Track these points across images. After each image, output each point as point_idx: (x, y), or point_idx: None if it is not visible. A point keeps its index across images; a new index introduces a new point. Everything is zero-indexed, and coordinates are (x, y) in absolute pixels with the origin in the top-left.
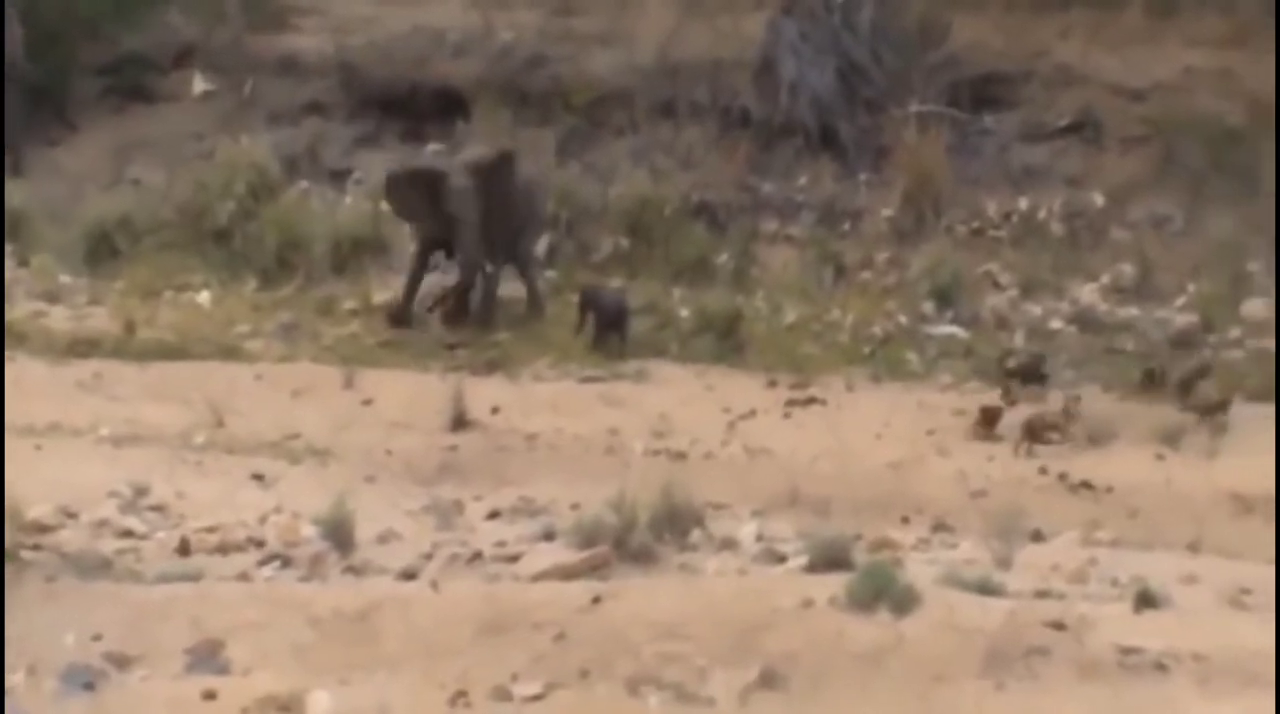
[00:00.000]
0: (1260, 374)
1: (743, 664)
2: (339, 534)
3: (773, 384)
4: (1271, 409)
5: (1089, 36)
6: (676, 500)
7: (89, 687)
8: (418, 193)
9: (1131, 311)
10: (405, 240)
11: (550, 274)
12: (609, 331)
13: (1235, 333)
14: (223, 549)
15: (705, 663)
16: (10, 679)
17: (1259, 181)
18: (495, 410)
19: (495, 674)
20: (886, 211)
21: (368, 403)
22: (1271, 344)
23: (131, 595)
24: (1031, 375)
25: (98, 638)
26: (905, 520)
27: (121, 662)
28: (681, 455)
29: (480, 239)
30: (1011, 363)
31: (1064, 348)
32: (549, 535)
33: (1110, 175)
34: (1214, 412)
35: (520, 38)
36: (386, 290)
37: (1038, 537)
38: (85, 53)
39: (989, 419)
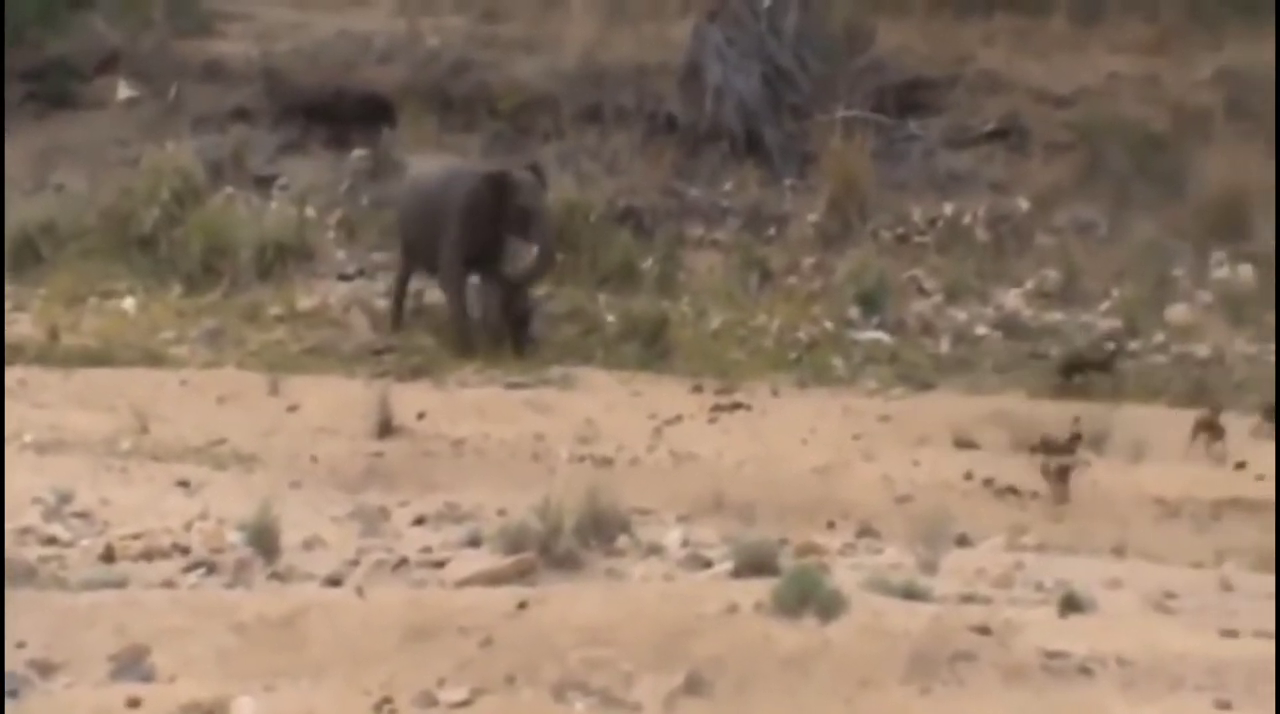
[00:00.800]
0: (1182, 379)
1: (668, 669)
2: (264, 541)
3: (698, 390)
4: (1190, 415)
5: (1014, 43)
6: (602, 506)
7: (13, 694)
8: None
9: (1056, 316)
10: (330, 247)
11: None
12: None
13: (1159, 338)
14: (148, 556)
15: (631, 668)
16: None
17: (1183, 187)
18: (421, 416)
19: (421, 680)
20: (812, 217)
21: (293, 409)
22: (1195, 348)
23: (56, 602)
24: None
25: (21, 645)
26: (831, 525)
27: (45, 669)
28: (607, 461)
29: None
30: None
31: (989, 353)
32: (475, 541)
33: (1035, 181)
34: (1060, 452)
35: (446, 44)
36: (312, 296)
37: (963, 541)
38: (9, 59)
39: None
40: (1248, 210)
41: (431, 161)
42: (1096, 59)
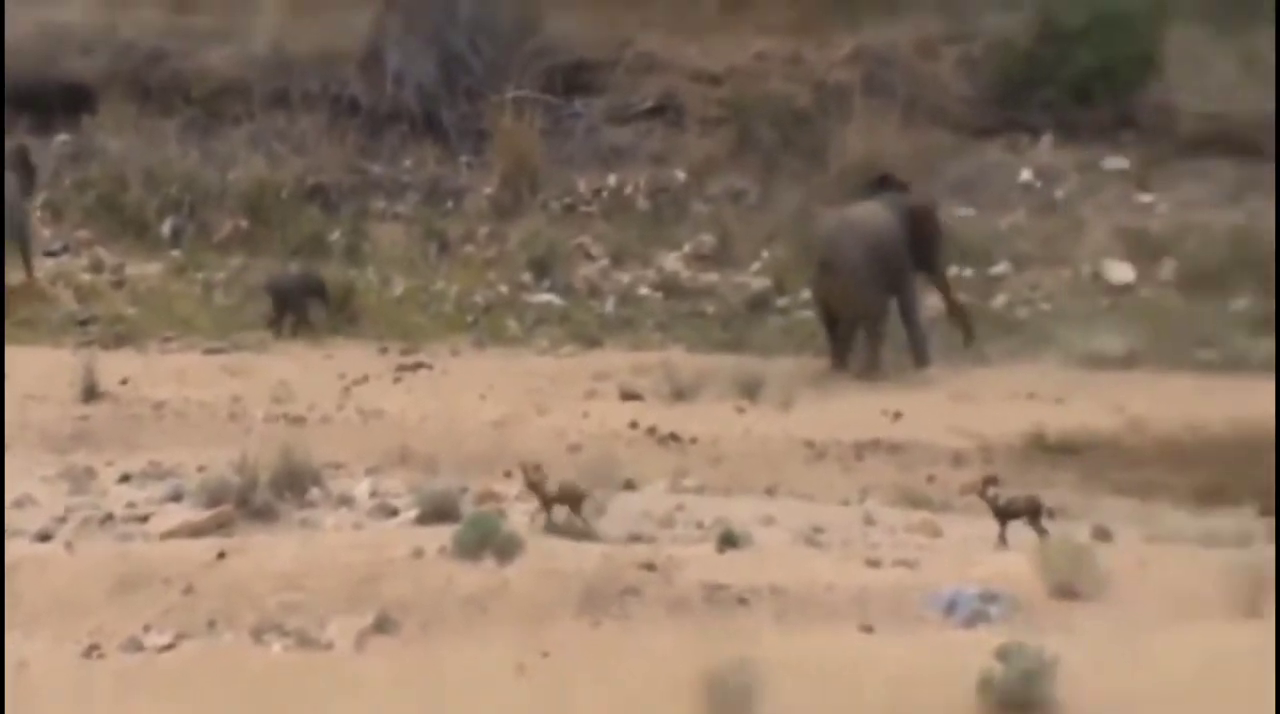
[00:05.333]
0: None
1: (359, 611)
2: None
3: (384, 351)
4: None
5: (670, 27)
6: (295, 461)
7: None
8: None
9: (712, 278)
10: (37, 225)
11: (175, 253)
12: (287, 313)
13: (806, 295)
14: None
15: (324, 611)
16: None
17: (825, 158)
18: (124, 381)
19: (128, 627)
20: (487, 190)
21: (2, 378)
22: None
23: None
24: None
25: None
26: (508, 474)
27: None
28: (300, 420)
29: None
30: None
31: (650, 312)
32: (177, 496)
33: (691, 154)
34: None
35: (142, 35)
36: (19, 271)
37: (630, 485)
38: None
39: None
40: (887, 174)
41: None
42: (745, 40)
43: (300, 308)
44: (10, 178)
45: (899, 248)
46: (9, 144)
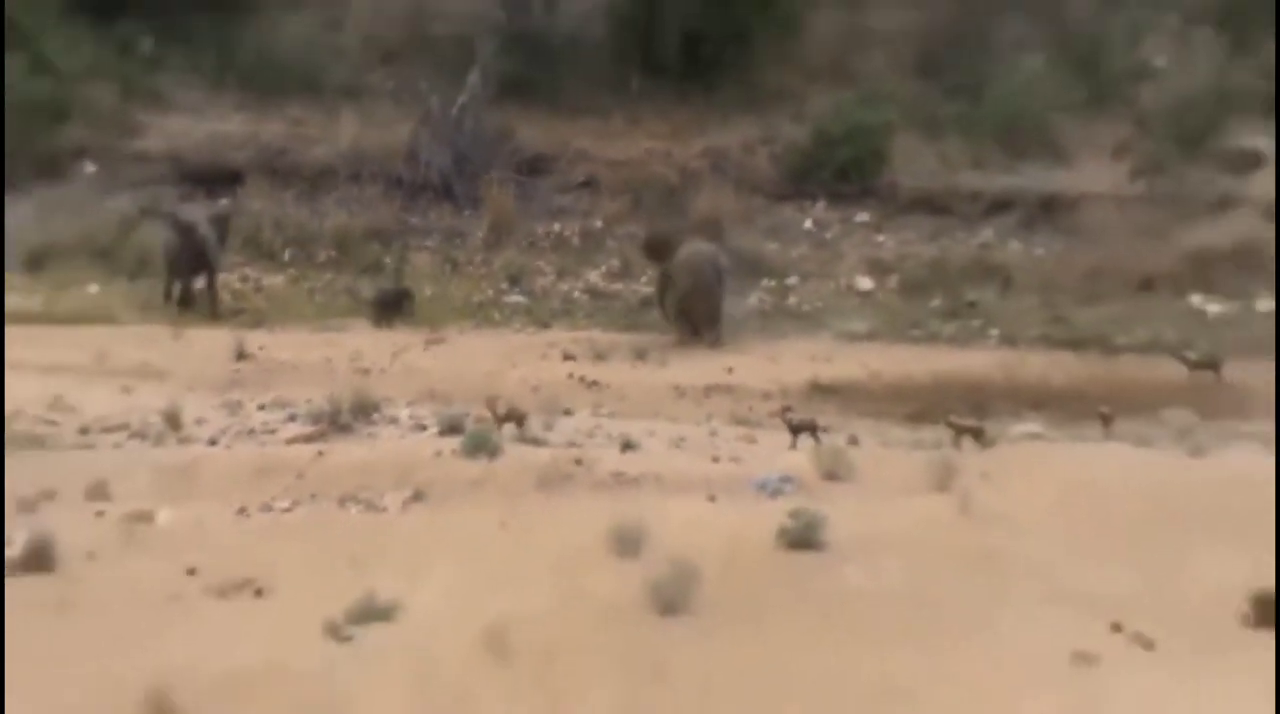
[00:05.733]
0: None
1: (403, 488)
2: (173, 421)
3: (418, 332)
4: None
5: (594, 134)
6: (364, 397)
7: (30, 509)
8: None
9: (618, 286)
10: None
11: (291, 271)
12: (389, 312)
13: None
14: (106, 431)
15: (382, 488)
16: None
17: (685, 213)
18: (261, 348)
19: (262, 497)
20: (480, 233)
21: (188, 345)
22: None
23: (53, 457)
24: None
25: (34, 482)
26: (487, 405)
27: (50, 495)
28: (367, 371)
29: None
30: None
31: (580, 307)
32: (293, 418)
33: (605, 211)
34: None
35: (273, 138)
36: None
37: (568, 412)
38: (24, 153)
39: None
40: (723, 225)
41: None
42: (638, 142)
43: (396, 310)
44: (211, 229)
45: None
46: (217, 209)
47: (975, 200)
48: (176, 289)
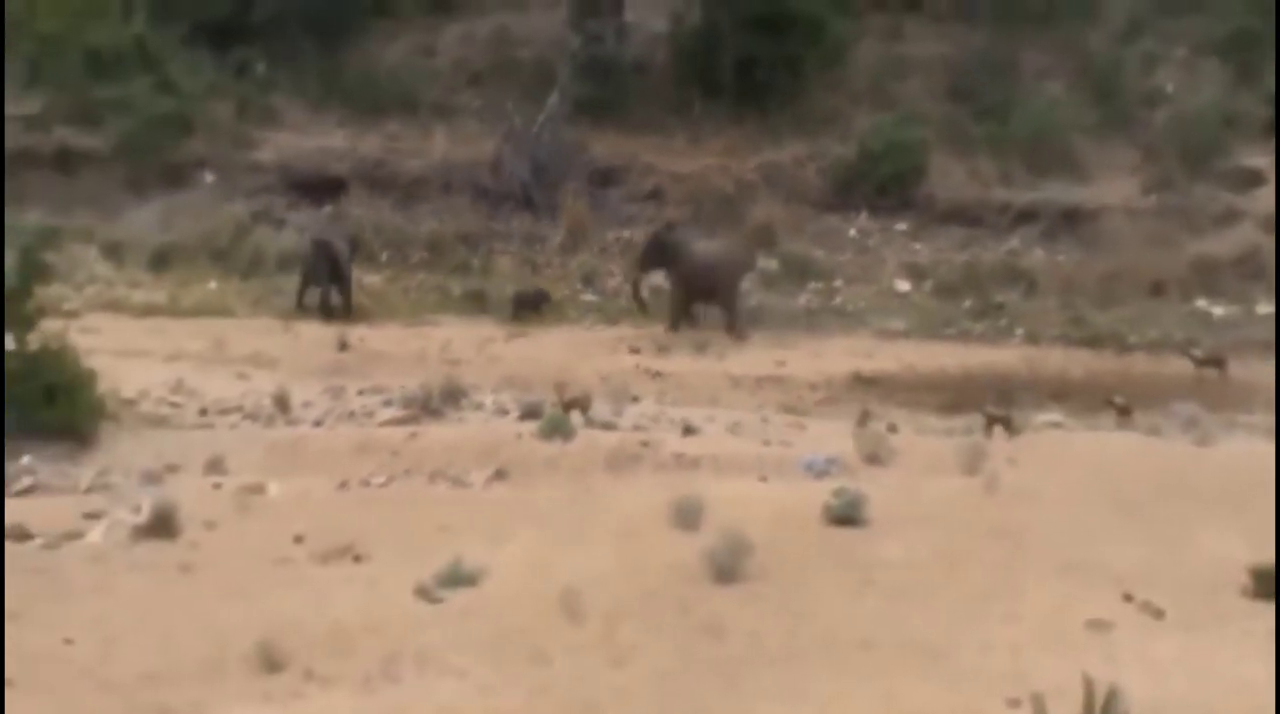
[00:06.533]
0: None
1: (487, 466)
2: (282, 404)
3: (500, 326)
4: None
5: (659, 150)
6: (453, 384)
7: (156, 481)
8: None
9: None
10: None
11: (389, 271)
12: (525, 309)
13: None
14: (223, 412)
15: (468, 466)
16: (114, 478)
17: (743, 222)
18: (361, 339)
19: (361, 473)
20: (558, 238)
21: (296, 336)
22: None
23: (176, 437)
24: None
25: (158, 457)
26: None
27: (172, 469)
28: (456, 361)
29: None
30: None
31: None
32: (389, 403)
33: (669, 219)
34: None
35: (371, 151)
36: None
37: (635, 399)
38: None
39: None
40: (775, 232)
41: None
42: (698, 158)
43: (534, 308)
44: (345, 246)
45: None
46: (346, 228)
47: (1003, 212)
48: (308, 296)
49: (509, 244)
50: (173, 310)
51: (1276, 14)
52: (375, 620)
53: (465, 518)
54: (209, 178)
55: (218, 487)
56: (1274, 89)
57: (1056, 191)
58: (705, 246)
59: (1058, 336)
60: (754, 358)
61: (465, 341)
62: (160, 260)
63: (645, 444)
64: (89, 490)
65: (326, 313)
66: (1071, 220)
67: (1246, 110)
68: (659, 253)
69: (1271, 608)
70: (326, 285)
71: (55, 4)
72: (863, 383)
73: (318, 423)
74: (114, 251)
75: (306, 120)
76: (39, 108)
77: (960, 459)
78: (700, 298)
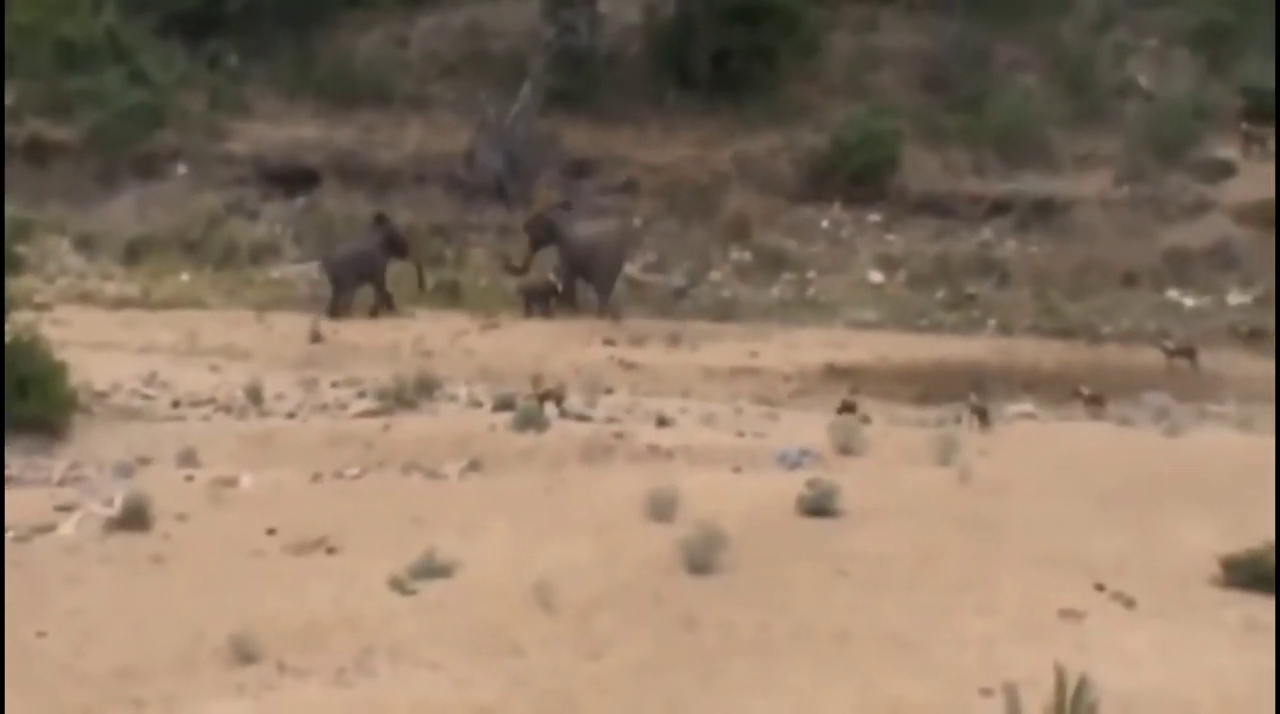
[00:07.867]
0: (719, 309)
1: (461, 458)
2: (255, 396)
3: (474, 318)
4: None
5: (633, 140)
6: (426, 376)
7: (128, 473)
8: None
9: (655, 278)
10: (289, 246)
11: None
12: (535, 304)
13: (704, 286)
14: (196, 405)
15: (442, 457)
16: (86, 471)
17: (715, 212)
18: (335, 331)
19: (334, 465)
20: None
21: (269, 328)
22: (723, 293)
23: (148, 429)
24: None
25: (131, 450)
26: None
27: (144, 462)
28: (429, 353)
29: None
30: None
31: (620, 296)
32: (362, 394)
33: (643, 210)
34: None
35: (346, 142)
36: (274, 272)
37: (609, 391)
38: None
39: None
40: (750, 224)
41: None
42: (673, 149)
43: (544, 301)
44: (379, 251)
45: None
46: (385, 229)
47: (976, 203)
48: (344, 299)
49: (482, 236)
50: (145, 302)
51: None
52: (349, 613)
53: (439, 510)
54: (181, 169)
55: (190, 479)
56: (1243, 80)
57: (1029, 183)
58: (586, 228)
59: (1030, 327)
60: (727, 349)
61: (439, 333)
62: (132, 252)
63: (619, 436)
64: (61, 483)
65: (374, 313)
66: (1044, 211)
67: (1217, 101)
68: (544, 231)
69: (1242, 597)
70: (355, 285)
71: None
72: (836, 374)
73: (291, 415)
74: (86, 243)
75: (279, 111)
76: (11, 99)
77: (933, 450)
78: (580, 277)
